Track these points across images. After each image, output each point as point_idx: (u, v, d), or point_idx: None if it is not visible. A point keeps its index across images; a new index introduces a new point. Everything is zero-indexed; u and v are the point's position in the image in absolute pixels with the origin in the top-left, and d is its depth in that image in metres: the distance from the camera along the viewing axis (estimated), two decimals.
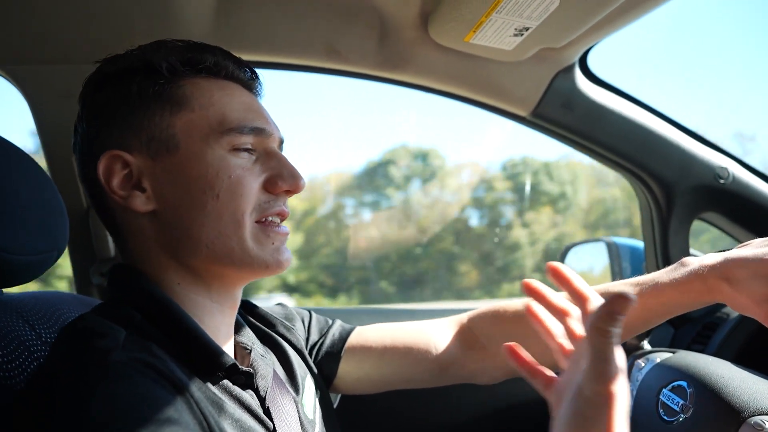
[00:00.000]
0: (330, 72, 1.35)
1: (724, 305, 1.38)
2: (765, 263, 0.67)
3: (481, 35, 1.08)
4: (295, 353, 0.88)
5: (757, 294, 0.67)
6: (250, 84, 0.79)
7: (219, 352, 0.67)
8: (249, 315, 0.91)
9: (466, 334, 0.96)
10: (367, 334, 0.97)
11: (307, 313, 1.00)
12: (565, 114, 1.34)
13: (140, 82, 0.70)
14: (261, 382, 0.74)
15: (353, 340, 0.96)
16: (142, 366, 0.57)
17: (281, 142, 0.78)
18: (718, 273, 0.71)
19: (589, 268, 1.96)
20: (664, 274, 0.77)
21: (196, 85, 0.72)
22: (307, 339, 0.96)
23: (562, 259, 1.93)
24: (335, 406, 0.95)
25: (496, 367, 0.94)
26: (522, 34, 1.06)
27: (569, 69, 1.28)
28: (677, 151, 1.38)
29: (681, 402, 0.75)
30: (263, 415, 0.71)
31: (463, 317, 0.99)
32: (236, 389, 0.70)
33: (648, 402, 0.82)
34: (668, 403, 0.77)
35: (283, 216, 0.75)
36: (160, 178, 0.69)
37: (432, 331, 0.97)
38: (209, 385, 0.66)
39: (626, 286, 0.80)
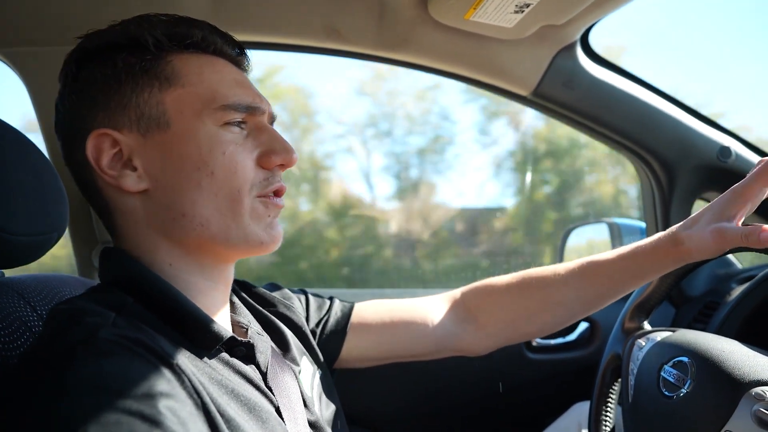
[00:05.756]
0: (330, 52, 1.34)
1: (725, 285, 1.38)
2: (717, 205, 0.80)
3: (481, 12, 1.06)
4: (291, 333, 0.89)
5: (709, 228, 0.79)
6: (239, 60, 0.78)
7: (215, 326, 0.67)
8: (246, 294, 0.91)
9: (459, 308, 1.02)
10: (367, 312, 0.99)
11: (302, 292, 1.01)
12: (566, 93, 1.33)
13: (126, 58, 0.69)
14: (261, 358, 0.73)
15: (355, 318, 0.98)
16: (131, 343, 0.57)
17: (273, 117, 0.78)
18: (682, 225, 0.84)
19: (591, 250, 1.96)
20: (642, 241, 0.89)
21: (184, 61, 0.70)
22: (307, 317, 0.96)
23: (564, 241, 1.93)
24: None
25: (488, 337, 1.00)
26: (523, 11, 1.05)
27: (571, 47, 1.27)
28: (679, 130, 1.37)
29: (682, 377, 0.75)
30: (267, 390, 0.71)
31: (456, 293, 1.04)
32: (238, 363, 0.70)
33: (649, 379, 0.82)
34: (669, 378, 0.78)
35: (281, 192, 0.74)
36: (151, 156, 0.68)
37: (427, 306, 1.02)
38: (207, 360, 0.66)
39: (607, 253, 0.92)
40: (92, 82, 0.69)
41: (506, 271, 1.01)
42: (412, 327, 0.98)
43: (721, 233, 0.78)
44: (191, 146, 0.67)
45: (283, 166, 0.74)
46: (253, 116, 0.73)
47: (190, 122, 0.68)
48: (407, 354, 1.00)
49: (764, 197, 0.80)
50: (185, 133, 0.68)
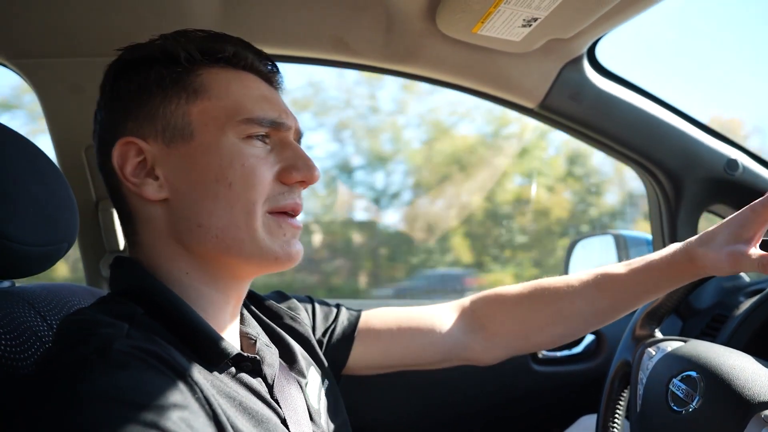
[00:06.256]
0: (338, 64, 1.35)
1: (732, 298, 1.38)
2: (735, 223, 0.79)
3: (489, 26, 1.07)
4: (298, 345, 0.89)
5: (725, 247, 0.78)
6: (270, 76, 0.78)
7: (223, 342, 0.67)
8: (254, 306, 0.91)
9: (468, 317, 1.01)
10: (375, 320, 0.99)
11: (309, 300, 1.00)
12: (573, 106, 1.34)
13: (158, 70, 0.70)
14: (268, 370, 0.74)
15: (362, 326, 0.98)
16: (145, 354, 0.57)
17: (300, 134, 0.78)
18: (698, 241, 0.83)
19: (597, 262, 1.96)
20: (655, 254, 0.88)
21: (213, 75, 0.72)
22: (314, 327, 0.96)
23: (569, 253, 1.92)
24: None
25: (497, 347, 1.00)
26: (530, 25, 1.05)
27: (577, 60, 1.28)
28: (686, 142, 1.37)
29: (691, 392, 0.75)
30: (273, 402, 0.71)
31: (465, 301, 1.03)
32: (245, 377, 0.70)
33: (657, 392, 0.81)
34: (678, 393, 0.77)
35: (296, 210, 0.74)
36: (173, 167, 0.69)
37: (436, 315, 1.01)
38: (216, 374, 0.66)
39: (620, 266, 0.91)
40: (126, 93, 0.71)
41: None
42: (420, 335, 0.98)
43: (737, 258, 0.77)
44: (213, 158, 0.68)
45: (304, 183, 0.74)
46: (277, 131, 0.73)
47: (213, 134, 0.69)
48: (414, 362, 1.00)
49: None
50: (208, 145, 0.69)
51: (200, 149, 0.69)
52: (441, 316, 1.01)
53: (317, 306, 1.00)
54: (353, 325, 0.98)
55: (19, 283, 0.86)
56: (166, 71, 0.70)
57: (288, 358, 0.85)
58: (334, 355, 0.96)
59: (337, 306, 1.01)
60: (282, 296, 0.98)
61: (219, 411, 0.59)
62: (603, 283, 0.92)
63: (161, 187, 0.69)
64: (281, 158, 0.72)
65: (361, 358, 0.97)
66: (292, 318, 0.92)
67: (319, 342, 0.95)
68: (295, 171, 0.72)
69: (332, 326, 0.97)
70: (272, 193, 0.71)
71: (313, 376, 0.87)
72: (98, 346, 0.56)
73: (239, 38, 0.75)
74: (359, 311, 1.01)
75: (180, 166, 0.69)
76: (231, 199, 0.68)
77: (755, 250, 0.76)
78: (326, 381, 0.90)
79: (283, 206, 0.72)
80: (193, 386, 0.59)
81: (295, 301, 0.98)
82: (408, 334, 0.98)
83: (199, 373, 0.62)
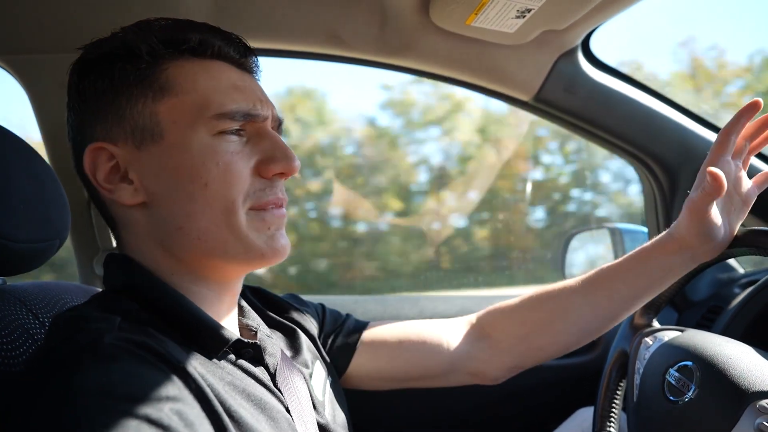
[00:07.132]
0: (332, 59, 1.34)
1: (727, 289, 1.38)
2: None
3: (482, 18, 1.07)
4: (306, 337, 0.88)
5: (684, 207, 0.82)
6: (242, 62, 0.73)
7: (221, 329, 0.67)
8: (259, 301, 0.90)
9: (473, 329, 1.01)
10: (381, 329, 0.99)
11: (320, 305, 1.01)
12: (567, 98, 1.33)
13: (122, 67, 0.67)
14: (270, 360, 0.73)
15: (367, 334, 0.98)
16: (136, 347, 0.56)
17: (279, 122, 0.75)
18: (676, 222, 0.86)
19: (592, 255, 1.96)
20: (648, 243, 0.89)
21: (179, 68, 0.68)
22: (321, 329, 0.96)
23: (565, 246, 1.92)
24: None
25: (502, 354, 0.98)
26: (524, 16, 1.05)
27: (572, 52, 1.27)
28: (681, 134, 1.37)
29: (687, 382, 0.75)
30: (276, 390, 0.70)
31: (471, 317, 1.03)
32: (246, 364, 0.69)
33: (654, 382, 0.81)
34: (674, 383, 0.77)
35: (279, 204, 0.71)
36: (146, 169, 0.66)
37: (442, 327, 1.01)
38: (215, 361, 0.66)
39: (612, 261, 0.91)
40: (92, 94, 0.68)
41: None
42: (426, 345, 0.97)
43: (687, 203, 0.82)
44: (185, 158, 0.65)
45: (283, 175, 0.71)
46: (252, 123, 0.70)
47: (183, 133, 0.66)
48: (419, 374, 0.98)
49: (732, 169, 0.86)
50: (179, 145, 0.66)
51: (171, 150, 0.66)
52: (447, 329, 1.01)
53: (327, 311, 1.00)
54: (358, 333, 0.98)
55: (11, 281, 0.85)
56: (130, 68, 0.67)
57: (293, 347, 0.85)
58: (336, 359, 0.96)
59: (347, 315, 1.02)
60: (295, 298, 0.98)
61: (215, 402, 0.59)
62: (598, 277, 0.92)
63: (136, 191, 0.67)
64: (258, 150, 0.69)
65: (364, 367, 0.97)
66: (299, 312, 0.92)
67: (323, 344, 0.95)
68: (273, 163, 0.69)
69: (337, 330, 0.97)
70: (252, 189, 0.68)
71: (318, 369, 0.86)
72: (89, 341, 0.55)
73: (206, 24, 0.71)
74: (367, 321, 1.01)
75: (153, 168, 0.66)
76: (209, 199, 0.65)
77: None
78: (330, 377, 0.90)
79: (265, 203, 0.69)
80: (187, 378, 0.58)
81: (306, 302, 0.98)
82: (413, 345, 0.97)
83: (196, 362, 0.62)
